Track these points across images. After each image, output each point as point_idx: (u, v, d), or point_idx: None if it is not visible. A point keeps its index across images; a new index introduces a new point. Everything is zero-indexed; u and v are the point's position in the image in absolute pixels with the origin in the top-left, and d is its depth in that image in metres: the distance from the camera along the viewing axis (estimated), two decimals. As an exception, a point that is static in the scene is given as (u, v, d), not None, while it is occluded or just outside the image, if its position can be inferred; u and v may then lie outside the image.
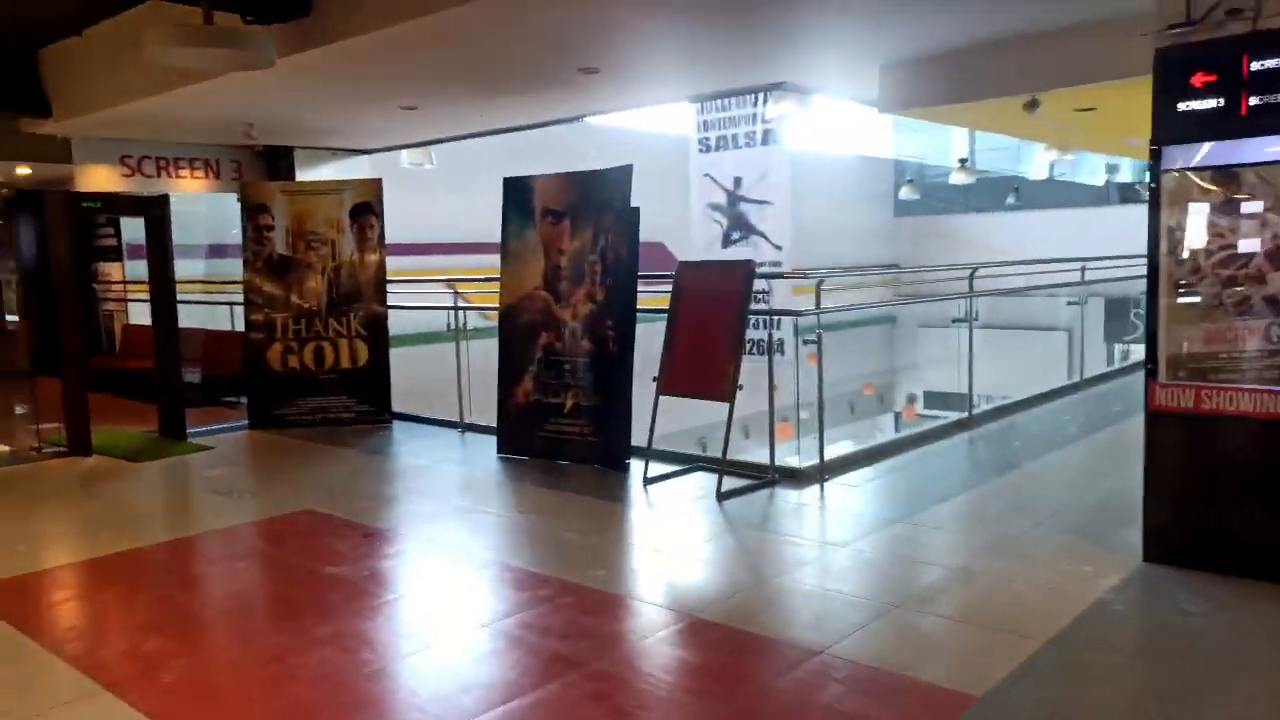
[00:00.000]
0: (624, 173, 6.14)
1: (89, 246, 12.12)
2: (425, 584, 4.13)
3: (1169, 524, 3.83)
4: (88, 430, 6.78)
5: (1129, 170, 23.07)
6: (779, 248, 11.19)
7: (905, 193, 20.41)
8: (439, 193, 10.45)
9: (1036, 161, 23.21)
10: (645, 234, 13.78)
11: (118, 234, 10.68)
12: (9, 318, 8.46)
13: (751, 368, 5.98)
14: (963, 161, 17.77)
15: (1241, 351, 3.58)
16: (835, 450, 6.00)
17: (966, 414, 6.94)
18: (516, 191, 6.68)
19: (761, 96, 8.70)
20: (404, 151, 9.97)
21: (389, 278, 8.05)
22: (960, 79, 5.22)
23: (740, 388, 5.26)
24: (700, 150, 10.44)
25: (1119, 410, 7.66)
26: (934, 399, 20.23)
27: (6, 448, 6.94)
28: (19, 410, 7.33)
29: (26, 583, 4.11)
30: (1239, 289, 3.57)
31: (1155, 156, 3.72)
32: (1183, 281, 3.70)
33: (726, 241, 12.13)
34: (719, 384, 5.35)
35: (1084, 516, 4.65)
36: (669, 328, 5.70)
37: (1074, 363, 19.07)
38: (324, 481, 5.98)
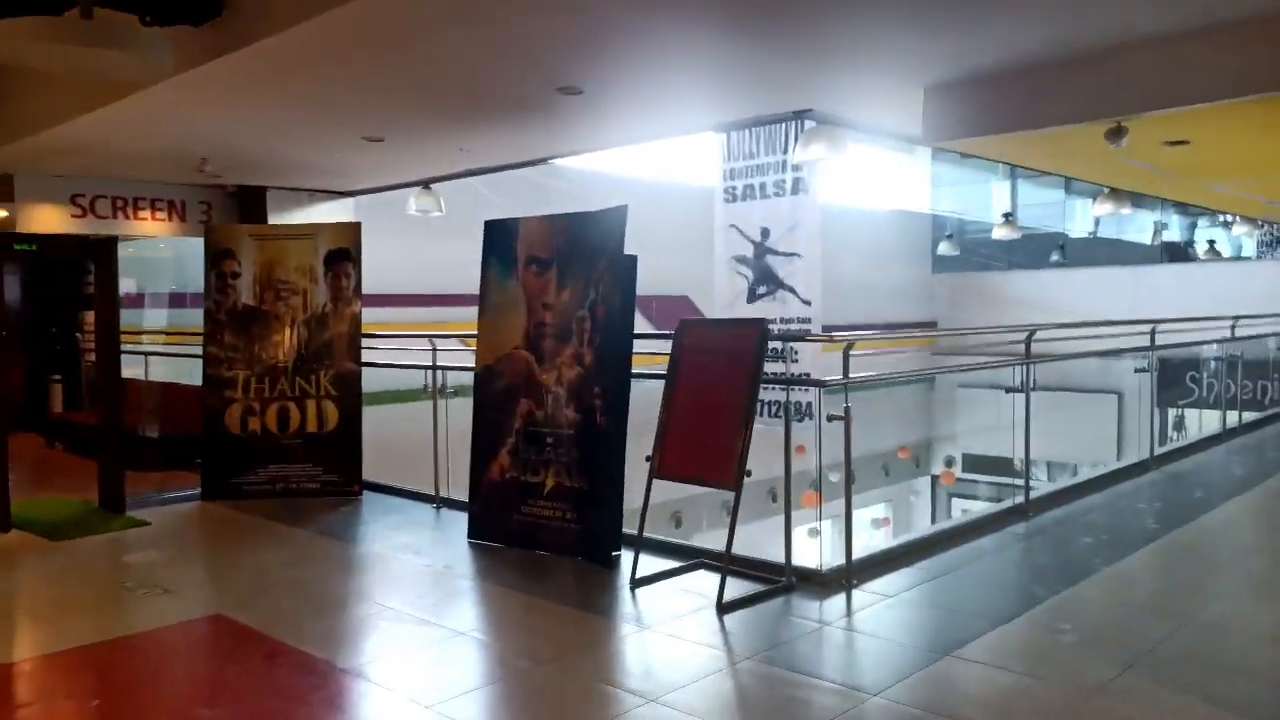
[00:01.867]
0: (618, 215, 5.28)
1: (75, 293, 11.54)
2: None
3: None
4: (5, 503, 5.93)
5: (1177, 229, 22.04)
6: (808, 303, 10.30)
7: (944, 248, 19.41)
8: (442, 241, 9.73)
9: (1079, 218, 22.33)
10: (670, 287, 12.94)
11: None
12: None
13: (764, 432, 5.04)
14: (1007, 216, 16.77)
15: None
16: (865, 540, 4.99)
17: (1023, 499, 5.89)
18: (498, 236, 5.84)
19: (790, 139, 7.95)
20: (411, 198, 9.26)
21: (371, 331, 7.22)
22: (1026, 100, 4.29)
23: (748, 473, 4.29)
24: (726, 200, 9.77)
25: (1201, 498, 6.56)
26: (974, 463, 19.03)
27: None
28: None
29: None
30: None
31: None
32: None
33: (752, 296, 11.22)
34: (724, 468, 4.38)
35: (1188, 659, 3.59)
36: (666, 398, 4.75)
37: (1134, 433, 17.83)
38: (256, 573, 5.05)
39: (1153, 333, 7.30)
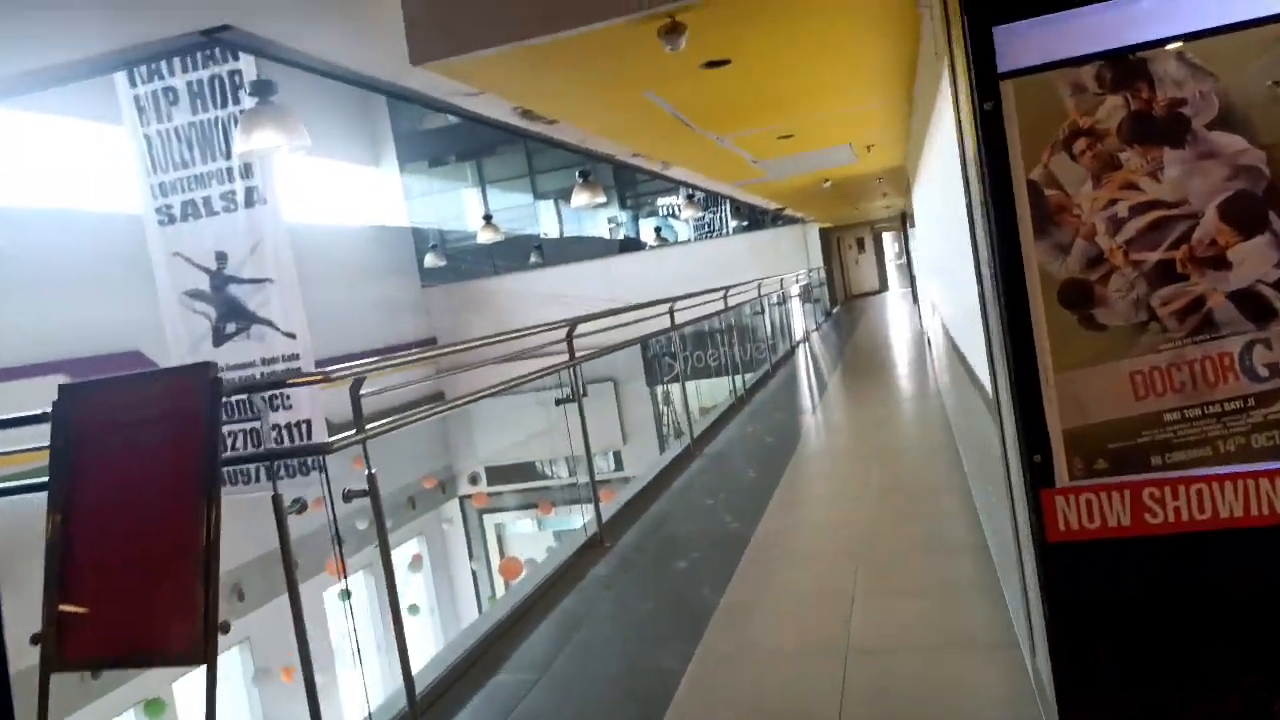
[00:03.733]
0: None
1: None
2: None
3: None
4: None
5: (628, 225, 24.11)
6: (292, 336, 8.54)
7: (430, 260, 18.52)
8: None
9: (547, 221, 23.30)
10: (110, 343, 9.95)
11: None
12: None
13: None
14: (487, 219, 16.32)
15: (1208, 403, 1.87)
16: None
17: (595, 528, 4.87)
18: None
19: (228, 133, 6.20)
20: None
21: None
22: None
23: (225, 628, 2.51)
24: (161, 222, 7.53)
25: (755, 478, 6.21)
26: (498, 474, 18.51)
27: None
28: None
29: None
30: (1181, 285, 1.86)
31: (982, 51, 1.91)
32: (1072, 286, 1.91)
33: (220, 338, 9.02)
34: (179, 626, 2.55)
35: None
36: (54, 526, 2.73)
37: (640, 417, 18.61)
38: None
39: (671, 310, 6.89)
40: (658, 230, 22.45)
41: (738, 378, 9.38)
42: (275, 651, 10.82)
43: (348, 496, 3.00)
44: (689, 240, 22.20)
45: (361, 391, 2.99)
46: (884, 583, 3.82)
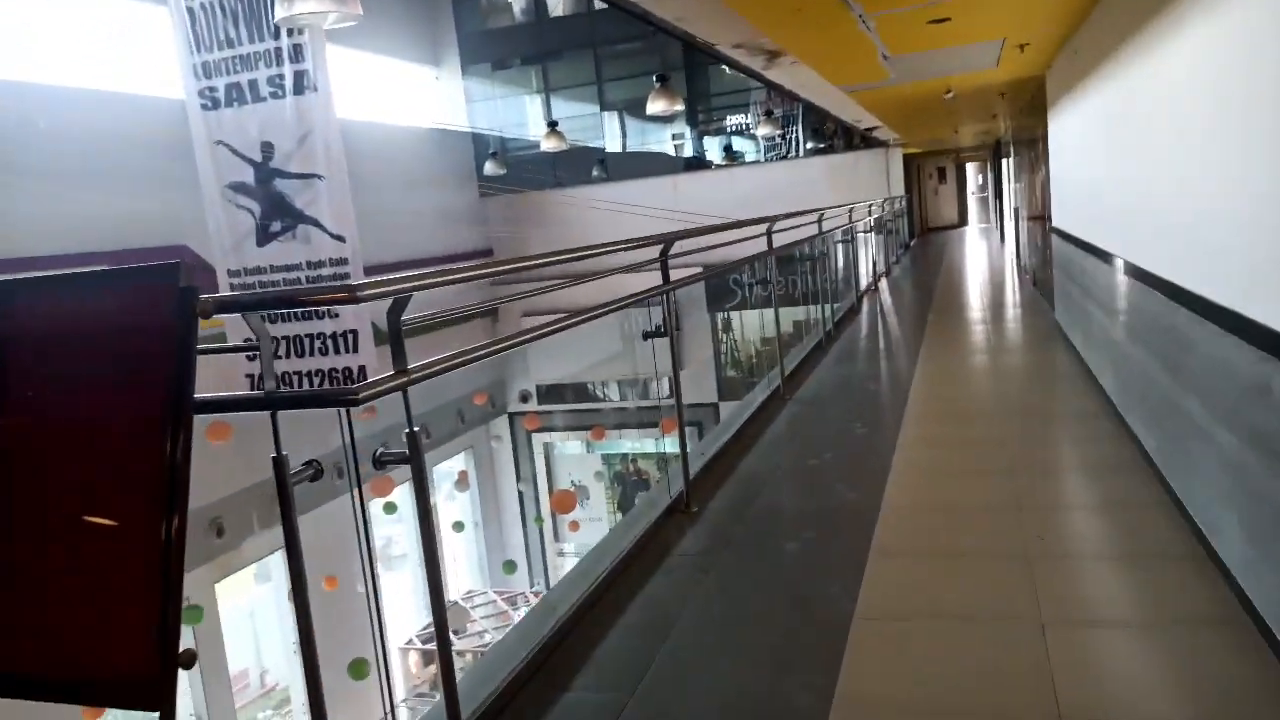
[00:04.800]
0: None
1: None
2: None
3: None
4: None
5: (693, 143, 22.74)
6: (341, 239, 7.75)
7: (490, 168, 17.54)
8: None
9: (611, 134, 22.09)
10: (157, 236, 9.28)
11: None
12: None
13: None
14: (552, 125, 15.22)
15: None
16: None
17: (682, 485, 4.01)
18: None
19: (273, 13, 5.48)
20: None
21: None
22: None
23: (188, 661, 1.69)
24: (204, 106, 6.93)
25: (865, 434, 5.27)
26: (548, 394, 17.84)
27: None
28: None
29: None
30: None
31: None
32: None
33: (264, 236, 8.25)
34: (121, 646, 1.74)
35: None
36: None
37: (694, 345, 17.73)
38: None
39: (770, 232, 5.88)
40: (727, 149, 21.16)
41: (826, 308, 8.37)
42: (315, 562, 10.31)
43: (380, 461, 2.14)
44: (759, 161, 20.87)
45: (403, 316, 2.10)
46: (1080, 606, 2.89)
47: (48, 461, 1.79)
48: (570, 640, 2.89)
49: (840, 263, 10.60)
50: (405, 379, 2.04)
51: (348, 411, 2.31)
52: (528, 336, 2.84)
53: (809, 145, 20.17)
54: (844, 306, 10.04)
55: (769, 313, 12.53)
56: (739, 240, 5.68)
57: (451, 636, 13.11)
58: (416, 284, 2.05)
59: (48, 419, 1.83)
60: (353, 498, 2.77)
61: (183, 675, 1.86)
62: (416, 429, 2.12)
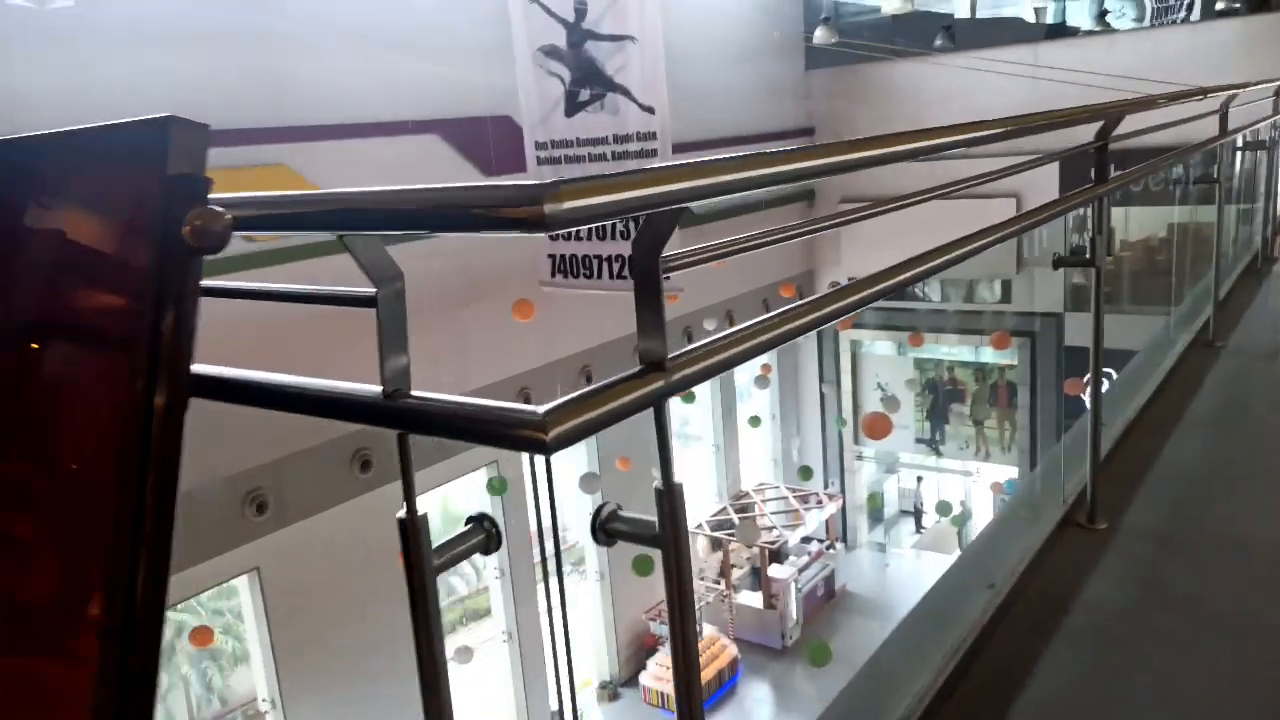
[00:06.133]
0: None
1: None
2: None
3: None
4: None
5: (1058, 7, 19.17)
6: (650, 110, 7.05)
7: (820, 36, 15.91)
8: None
9: (960, -2, 19.20)
10: (484, 104, 9.21)
11: None
12: None
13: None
14: (895, -16, 13.34)
15: None
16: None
17: (1087, 494, 2.87)
18: None
19: None
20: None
21: None
22: None
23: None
24: None
25: None
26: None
27: None
28: None
29: None
30: None
31: None
32: None
33: (573, 106, 7.77)
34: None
35: None
36: None
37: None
38: None
39: (1224, 112, 4.24)
40: (1102, 13, 17.59)
41: (1258, 214, 6.38)
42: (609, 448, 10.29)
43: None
44: (1142, 26, 17.17)
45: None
46: None
47: None
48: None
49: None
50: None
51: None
52: (870, 212, 1.84)
53: (1216, 3, 16.20)
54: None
55: (1165, 213, 10.01)
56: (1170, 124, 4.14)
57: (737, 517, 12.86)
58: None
59: None
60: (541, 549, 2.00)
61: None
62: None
